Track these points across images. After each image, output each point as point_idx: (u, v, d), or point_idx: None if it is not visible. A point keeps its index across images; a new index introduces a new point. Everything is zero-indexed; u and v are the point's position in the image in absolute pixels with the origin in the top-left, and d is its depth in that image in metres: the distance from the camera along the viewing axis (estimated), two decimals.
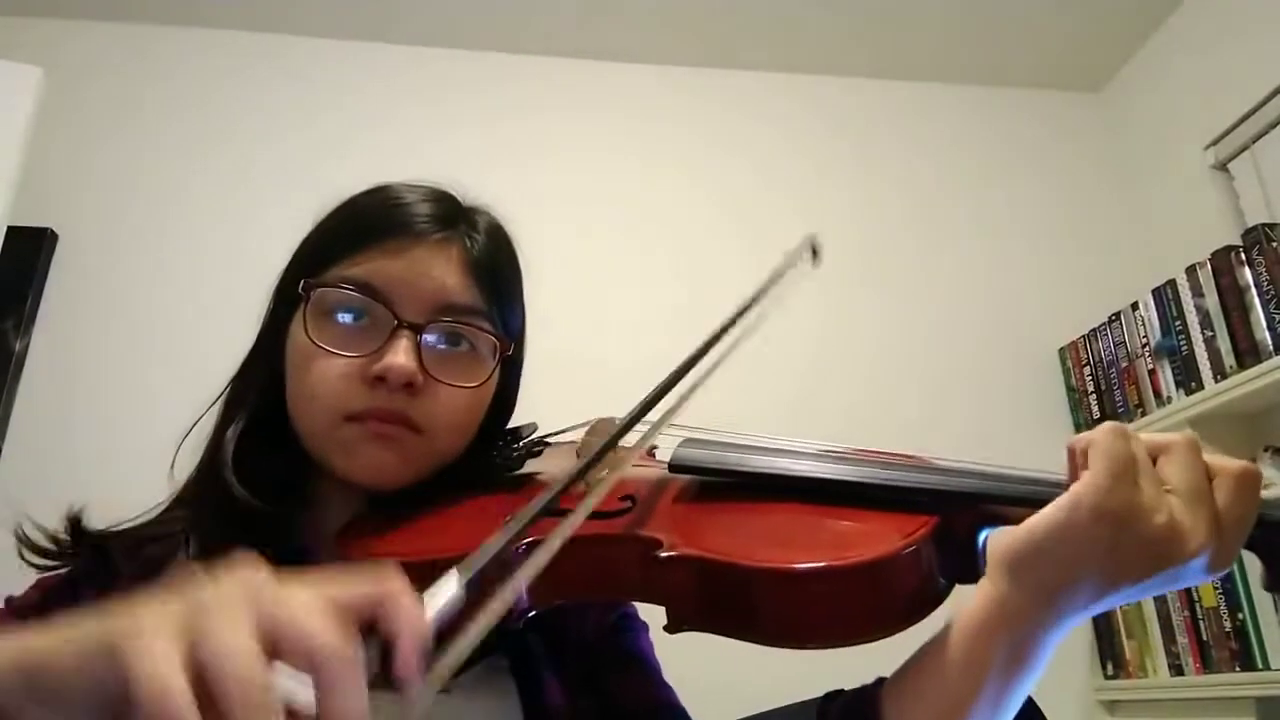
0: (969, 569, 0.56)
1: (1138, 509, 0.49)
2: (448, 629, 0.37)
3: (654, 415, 0.60)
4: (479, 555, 0.42)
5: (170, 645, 0.32)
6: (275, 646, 0.33)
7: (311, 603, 0.35)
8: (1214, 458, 0.52)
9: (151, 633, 0.33)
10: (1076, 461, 0.52)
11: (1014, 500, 0.54)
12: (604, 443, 0.57)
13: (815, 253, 0.74)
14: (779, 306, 0.67)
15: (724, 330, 0.64)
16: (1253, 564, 0.55)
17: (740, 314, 0.65)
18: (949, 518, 0.54)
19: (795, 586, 0.51)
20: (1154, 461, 0.51)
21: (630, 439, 0.66)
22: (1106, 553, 0.49)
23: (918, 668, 0.57)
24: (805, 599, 0.51)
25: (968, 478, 0.56)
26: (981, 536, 0.56)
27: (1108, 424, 0.51)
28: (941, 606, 0.54)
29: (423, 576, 0.55)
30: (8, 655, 0.37)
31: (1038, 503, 0.52)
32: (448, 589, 0.39)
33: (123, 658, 0.32)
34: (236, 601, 0.34)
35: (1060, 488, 0.51)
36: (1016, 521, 0.54)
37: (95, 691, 0.34)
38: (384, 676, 0.35)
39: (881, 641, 0.52)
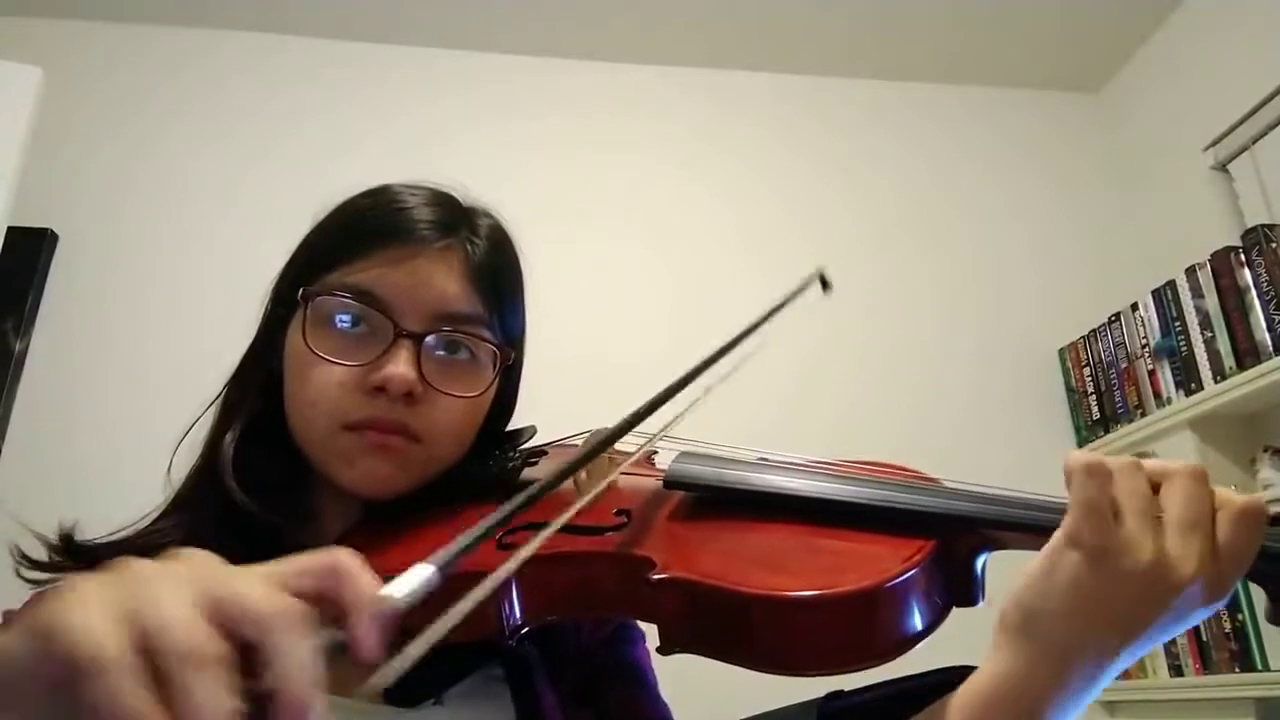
0: (967, 593, 0.55)
1: (1118, 546, 0.48)
2: (417, 615, 0.36)
3: (651, 425, 0.59)
4: (453, 546, 0.41)
5: (104, 613, 0.30)
6: (220, 619, 0.31)
7: (257, 577, 0.33)
8: (1222, 491, 0.51)
9: (83, 605, 0.31)
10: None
11: (1013, 525, 0.54)
12: (590, 448, 0.56)
13: (825, 284, 0.74)
14: (782, 324, 0.67)
15: (726, 350, 0.63)
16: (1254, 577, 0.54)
17: (744, 336, 0.65)
18: (948, 541, 0.54)
19: (788, 614, 0.50)
20: (1156, 489, 0.50)
21: (627, 446, 0.65)
22: (1099, 597, 0.48)
23: None
24: (799, 627, 0.50)
25: (967, 501, 0.55)
26: (980, 561, 0.55)
27: (1080, 460, 0.49)
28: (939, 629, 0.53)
29: None
30: None
31: (1036, 528, 0.51)
32: (417, 574, 0.38)
33: (55, 635, 0.30)
34: (176, 575, 0.33)
35: (1058, 512, 0.51)
36: (1015, 547, 0.54)
37: (37, 677, 0.31)
38: (343, 648, 0.34)
39: None
